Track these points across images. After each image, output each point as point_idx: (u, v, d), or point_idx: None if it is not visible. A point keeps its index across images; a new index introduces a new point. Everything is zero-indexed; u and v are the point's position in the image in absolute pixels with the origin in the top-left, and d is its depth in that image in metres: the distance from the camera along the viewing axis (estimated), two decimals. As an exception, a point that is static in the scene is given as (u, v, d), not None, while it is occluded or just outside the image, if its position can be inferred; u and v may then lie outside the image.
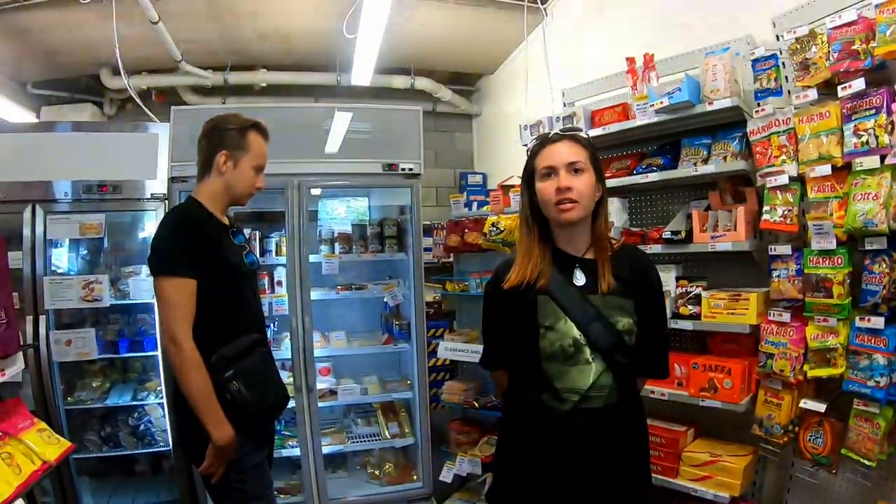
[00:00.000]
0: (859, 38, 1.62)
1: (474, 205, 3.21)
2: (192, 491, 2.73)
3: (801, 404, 1.79)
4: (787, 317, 1.85)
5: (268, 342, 1.91)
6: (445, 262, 3.75)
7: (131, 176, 2.83)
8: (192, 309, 1.59)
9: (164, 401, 2.84)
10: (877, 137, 1.59)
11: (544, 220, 1.39)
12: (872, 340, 1.63)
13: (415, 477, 3.11)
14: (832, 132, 1.71)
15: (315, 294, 2.91)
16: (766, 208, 1.89)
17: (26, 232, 2.67)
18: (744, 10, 2.14)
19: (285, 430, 3.00)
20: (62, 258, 2.93)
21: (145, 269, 2.70)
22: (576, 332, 1.32)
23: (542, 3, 3.31)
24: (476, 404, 3.02)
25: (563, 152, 1.34)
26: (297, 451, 2.88)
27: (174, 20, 3.11)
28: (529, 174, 1.40)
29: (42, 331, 2.66)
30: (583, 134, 1.45)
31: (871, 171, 1.62)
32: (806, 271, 1.78)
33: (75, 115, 3.87)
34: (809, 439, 1.80)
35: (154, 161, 2.83)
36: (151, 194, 2.84)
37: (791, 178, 1.82)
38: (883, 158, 1.59)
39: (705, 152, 2.13)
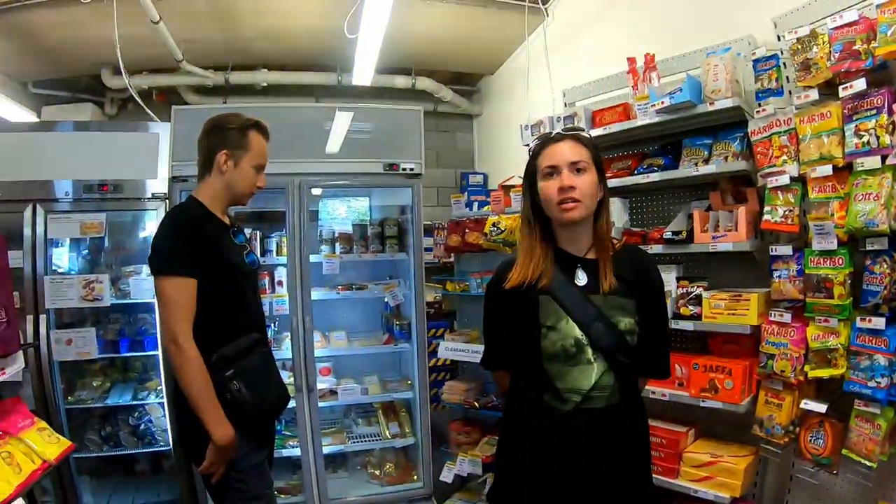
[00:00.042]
0: (860, 38, 1.62)
1: (475, 205, 3.20)
2: (193, 490, 2.73)
3: (802, 405, 1.78)
4: (787, 317, 1.85)
5: (268, 342, 1.91)
6: (446, 262, 3.74)
7: (132, 175, 2.83)
8: (192, 308, 1.59)
9: (165, 400, 2.85)
10: (878, 138, 1.59)
11: (546, 219, 1.39)
12: (873, 341, 1.63)
13: (415, 477, 3.11)
14: (833, 132, 1.71)
15: (316, 294, 2.91)
16: (767, 208, 1.89)
17: (27, 231, 2.68)
18: (745, 11, 2.14)
19: (286, 429, 3.00)
20: (63, 257, 2.93)
21: (146, 269, 2.70)
22: (577, 332, 1.32)
23: (543, 4, 3.31)
24: (477, 404, 3.01)
25: (566, 152, 1.34)
26: (297, 451, 2.87)
27: (175, 20, 3.11)
28: (531, 174, 1.40)
29: (42, 330, 2.67)
30: (585, 133, 1.44)
31: (872, 172, 1.62)
32: (807, 272, 1.78)
33: (76, 114, 3.88)
34: (810, 440, 1.80)
35: (155, 160, 2.84)
36: (152, 194, 2.84)
37: (792, 179, 1.82)
38: (884, 159, 1.59)
39: (706, 152, 2.13)
